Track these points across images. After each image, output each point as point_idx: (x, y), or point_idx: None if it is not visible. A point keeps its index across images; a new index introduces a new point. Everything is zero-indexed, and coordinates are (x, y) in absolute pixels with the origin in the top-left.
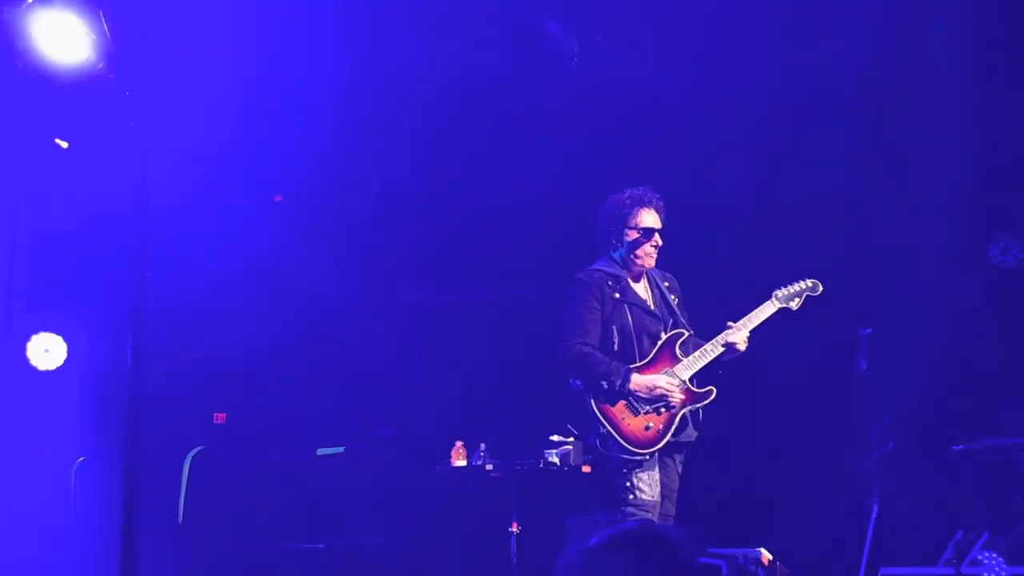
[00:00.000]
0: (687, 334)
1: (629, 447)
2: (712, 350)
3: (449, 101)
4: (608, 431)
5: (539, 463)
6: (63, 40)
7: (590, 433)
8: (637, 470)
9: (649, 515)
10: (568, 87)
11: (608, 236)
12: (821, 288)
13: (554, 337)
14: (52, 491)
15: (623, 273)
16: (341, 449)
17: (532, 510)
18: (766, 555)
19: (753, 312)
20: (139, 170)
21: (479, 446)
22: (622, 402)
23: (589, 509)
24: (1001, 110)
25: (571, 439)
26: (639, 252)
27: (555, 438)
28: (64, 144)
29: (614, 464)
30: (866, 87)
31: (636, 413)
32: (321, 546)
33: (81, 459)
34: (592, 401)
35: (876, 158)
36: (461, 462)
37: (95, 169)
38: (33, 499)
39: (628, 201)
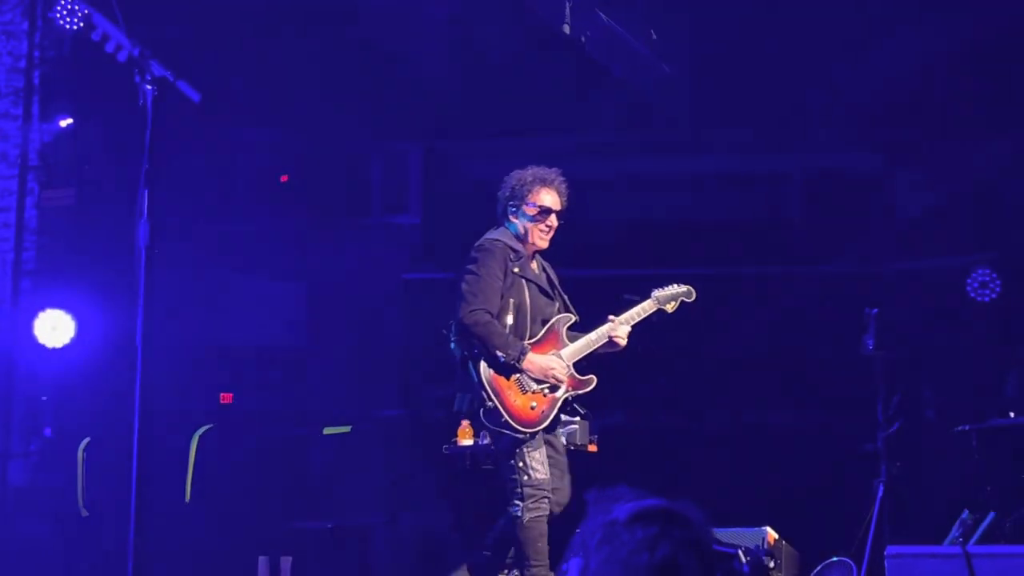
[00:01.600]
0: (575, 319)
1: (513, 423)
2: (596, 340)
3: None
4: (495, 404)
5: None
6: None
7: (476, 403)
8: (528, 450)
9: (545, 493)
10: None
11: (506, 210)
12: (695, 295)
13: None
14: (61, 470)
15: (521, 249)
16: (347, 428)
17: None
18: (772, 534)
19: (634, 309)
20: (146, 142)
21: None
22: (514, 377)
23: (611, 484)
24: None
25: (577, 419)
26: (533, 230)
27: (562, 417)
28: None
29: (505, 445)
30: None
31: (524, 391)
32: (328, 525)
33: (87, 440)
34: (484, 371)
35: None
36: (467, 441)
37: (101, 143)
38: (42, 477)
39: (531, 178)
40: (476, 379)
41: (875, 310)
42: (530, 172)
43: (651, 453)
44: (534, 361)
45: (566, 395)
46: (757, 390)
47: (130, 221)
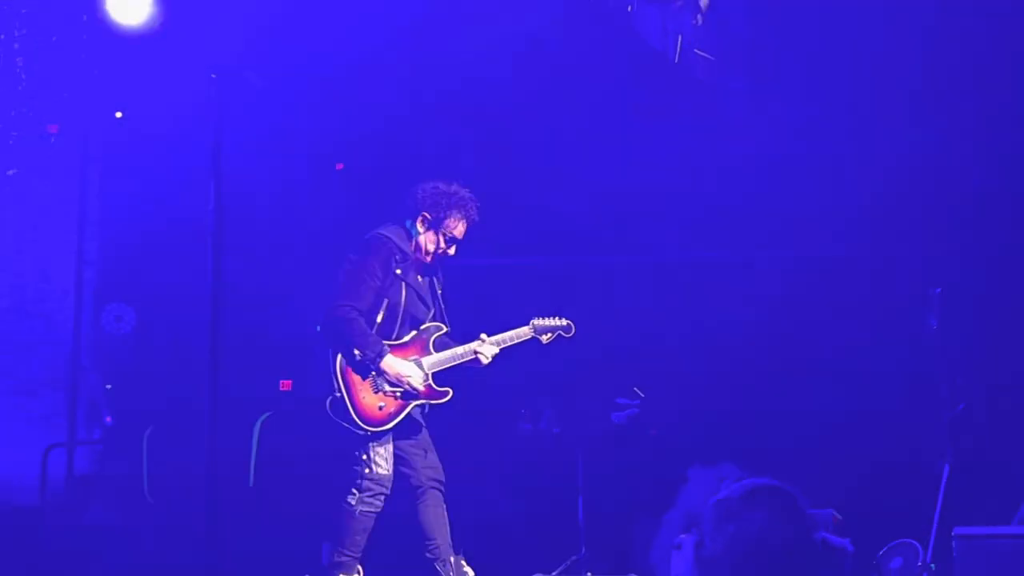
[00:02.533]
0: (444, 330)
1: (356, 419)
2: (462, 355)
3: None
4: (342, 396)
5: (606, 426)
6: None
7: (326, 393)
8: (375, 444)
9: (383, 490)
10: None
11: (415, 215)
12: (574, 330)
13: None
14: (125, 457)
15: (410, 255)
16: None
17: (598, 472)
18: (836, 517)
19: (507, 333)
20: (214, 138)
21: (545, 410)
22: (370, 376)
23: (715, 462)
24: None
25: (637, 402)
26: (431, 249)
27: (621, 400)
28: (119, 115)
29: (354, 436)
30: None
31: (376, 390)
32: (388, 510)
33: (151, 428)
34: (339, 363)
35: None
36: (527, 425)
37: (165, 137)
38: (107, 465)
39: (456, 204)
40: (331, 368)
41: (938, 289)
42: (456, 195)
43: (710, 435)
44: (391, 365)
45: (417, 403)
46: (817, 371)
47: (191, 211)
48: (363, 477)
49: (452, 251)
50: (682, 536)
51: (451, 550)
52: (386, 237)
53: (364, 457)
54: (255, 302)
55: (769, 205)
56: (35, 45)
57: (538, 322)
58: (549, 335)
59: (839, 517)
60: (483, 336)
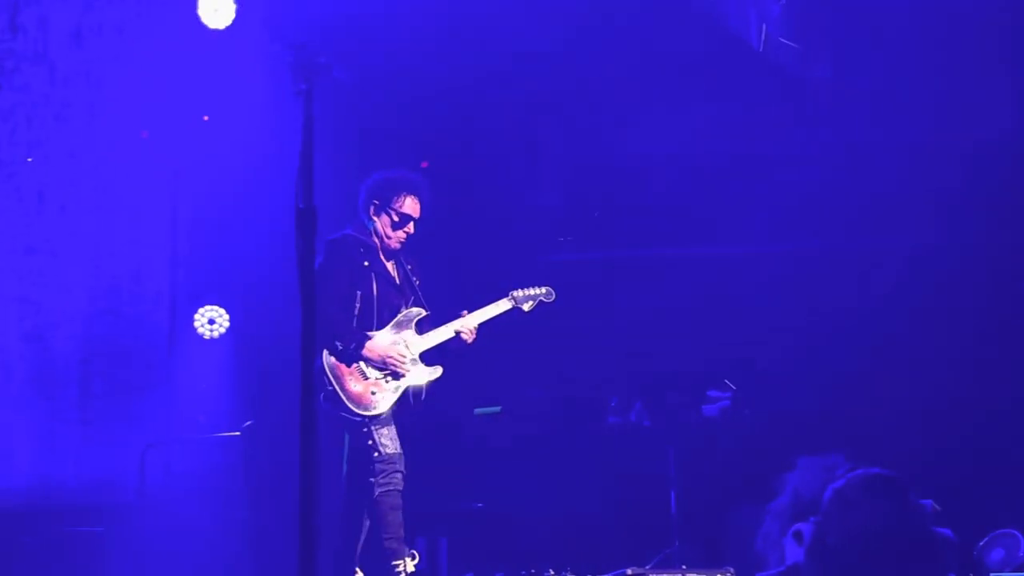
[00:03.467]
0: (425, 313)
1: (351, 407)
2: (444, 332)
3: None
4: (334, 389)
5: (697, 418)
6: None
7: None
8: (375, 427)
9: (396, 467)
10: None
11: (367, 207)
12: (554, 296)
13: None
14: (221, 455)
15: (374, 243)
16: (498, 409)
17: (690, 464)
18: (935, 507)
19: (487, 307)
20: (305, 138)
21: (635, 403)
22: (355, 365)
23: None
24: None
25: (728, 394)
26: (391, 234)
27: (713, 393)
28: (206, 118)
29: (354, 423)
30: None
31: (364, 378)
32: (479, 505)
33: (248, 423)
34: (325, 359)
35: None
36: (618, 418)
37: (254, 138)
38: (203, 462)
39: (397, 182)
40: (318, 365)
41: None
42: (396, 177)
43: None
44: (373, 348)
45: (408, 383)
46: (915, 360)
47: (278, 210)
48: (374, 461)
49: (411, 228)
50: (799, 525)
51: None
52: (344, 235)
53: (370, 443)
54: None
55: (857, 194)
56: (127, 49)
57: (517, 293)
58: (531, 303)
59: (938, 508)
60: (464, 312)
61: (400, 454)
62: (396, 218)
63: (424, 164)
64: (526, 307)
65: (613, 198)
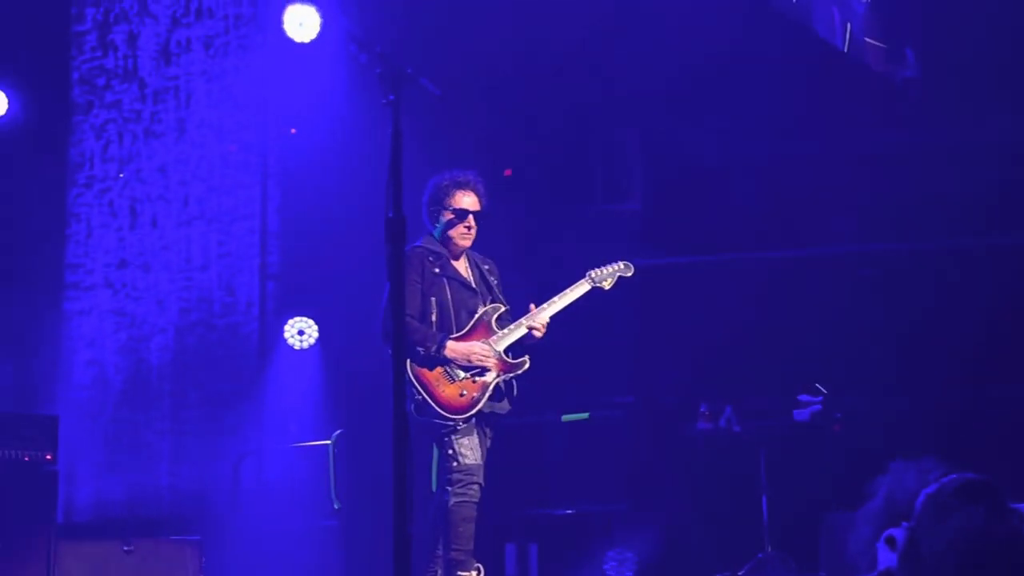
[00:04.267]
0: (503, 308)
1: (443, 412)
2: (519, 329)
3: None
4: (423, 397)
5: (788, 423)
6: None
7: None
8: (456, 436)
9: (475, 479)
10: None
11: (429, 216)
12: (633, 270)
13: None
14: (313, 464)
15: (443, 251)
16: (586, 415)
17: (782, 470)
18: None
19: (560, 294)
20: (393, 147)
21: (725, 408)
22: (439, 368)
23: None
24: None
25: (820, 399)
26: (453, 233)
27: (804, 397)
28: (293, 131)
29: (436, 434)
30: None
31: (452, 380)
32: (569, 511)
33: (338, 432)
34: (410, 368)
35: None
36: (708, 424)
37: (340, 150)
38: (295, 472)
39: (448, 183)
40: (405, 375)
41: None
42: (447, 177)
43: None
44: (455, 348)
45: (497, 379)
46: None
47: (365, 220)
48: (452, 471)
49: (470, 222)
50: (892, 530)
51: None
52: (412, 248)
53: (450, 452)
54: None
55: (945, 196)
56: (214, 64)
57: (595, 272)
58: (610, 280)
59: None
60: (532, 306)
61: (480, 465)
62: (453, 216)
63: (507, 172)
64: (606, 285)
65: (696, 200)
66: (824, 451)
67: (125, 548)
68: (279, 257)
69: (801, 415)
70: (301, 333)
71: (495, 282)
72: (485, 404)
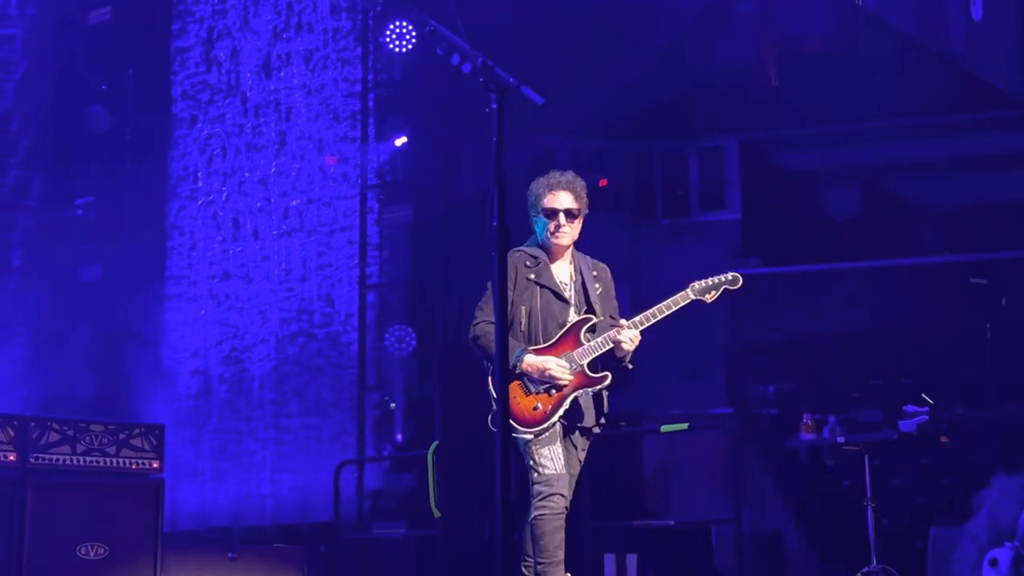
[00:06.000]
0: (595, 320)
1: (515, 425)
2: (603, 344)
3: None
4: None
5: (894, 434)
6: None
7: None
8: (536, 446)
9: (555, 490)
10: None
11: (531, 218)
12: (740, 282)
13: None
14: (412, 472)
15: (542, 255)
16: (685, 426)
17: (887, 482)
18: None
19: (658, 306)
20: (496, 155)
21: (829, 418)
22: (516, 381)
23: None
24: None
25: (926, 409)
26: (550, 234)
27: (910, 408)
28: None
29: (520, 445)
30: None
31: (527, 393)
32: (670, 522)
33: (436, 444)
34: (489, 378)
35: None
36: (810, 435)
37: (437, 160)
38: (395, 480)
39: (540, 185)
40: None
41: None
42: (541, 179)
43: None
44: (531, 363)
45: (575, 393)
46: None
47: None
48: (534, 483)
49: (561, 220)
50: (995, 551)
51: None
52: (516, 249)
53: (531, 462)
54: None
55: None
56: (312, 77)
57: (698, 284)
58: (714, 293)
59: None
60: (622, 321)
61: (562, 475)
62: (546, 216)
63: (603, 183)
64: (708, 298)
65: (799, 212)
66: (931, 462)
67: (229, 556)
68: (378, 267)
69: (907, 426)
70: (400, 341)
71: (598, 290)
72: (562, 418)
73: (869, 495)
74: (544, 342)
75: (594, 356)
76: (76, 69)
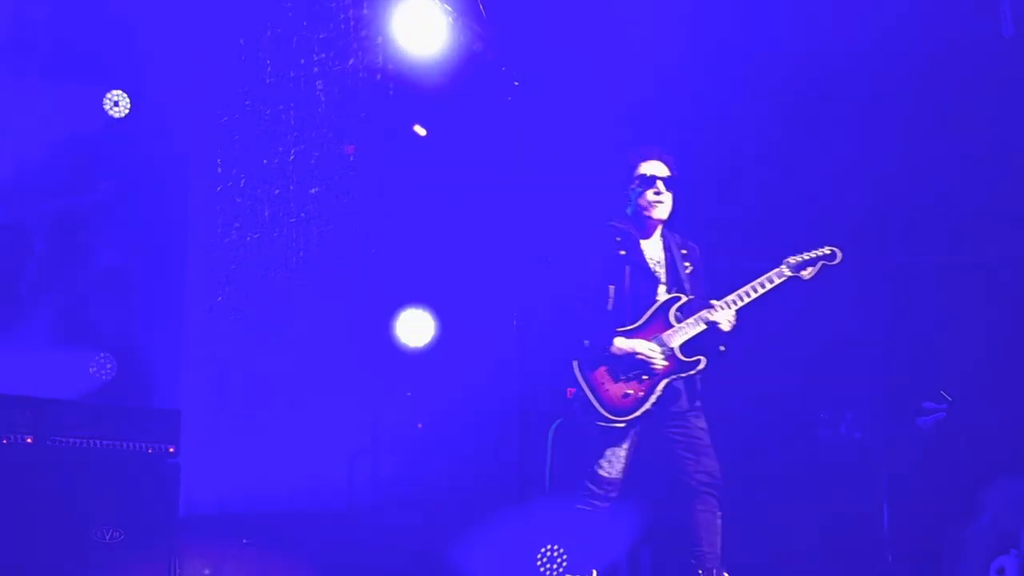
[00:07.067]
0: (684, 299)
1: (605, 413)
2: (696, 325)
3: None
4: (587, 396)
5: (911, 430)
6: (422, 31)
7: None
8: (611, 443)
9: (603, 491)
10: None
11: (626, 192)
12: (840, 256)
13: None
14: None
15: (633, 231)
16: None
17: (905, 479)
18: None
19: (752, 283)
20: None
21: (845, 414)
22: (603, 367)
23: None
24: None
25: (944, 406)
26: (642, 202)
27: (928, 404)
28: (422, 132)
29: (588, 435)
30: None
31: (616, 379)
32: None
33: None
34: (575, 364)
35: None
36: (827, 430)
37: (455, 154)
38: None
39: (632, 155)
40: (572, 373)
41: None
42: (627, 154)
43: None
44: (620, 345)
45: (668, 379)
46: None
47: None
48: (589, 477)
49: (660, 188)
50: (1002, 559)
51: (718, 561)
52: (607, 223)
53: (597, 456)
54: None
55: None
56: (334, 68)
57: (793, 259)
58: (812, 269)
59: None
60: (712, 302)
61: (616, 479)
62: (639, 185)
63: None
64: (806, 274)
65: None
66: (948, 460)
67: (244, 541)
68: (392, 256)
69: (925, 422)
70: (417, 329)
71: (688, 269)
72: (654, 405)
73: (885, 492)
74: (632, 322)
75: (686, 338)
76: None
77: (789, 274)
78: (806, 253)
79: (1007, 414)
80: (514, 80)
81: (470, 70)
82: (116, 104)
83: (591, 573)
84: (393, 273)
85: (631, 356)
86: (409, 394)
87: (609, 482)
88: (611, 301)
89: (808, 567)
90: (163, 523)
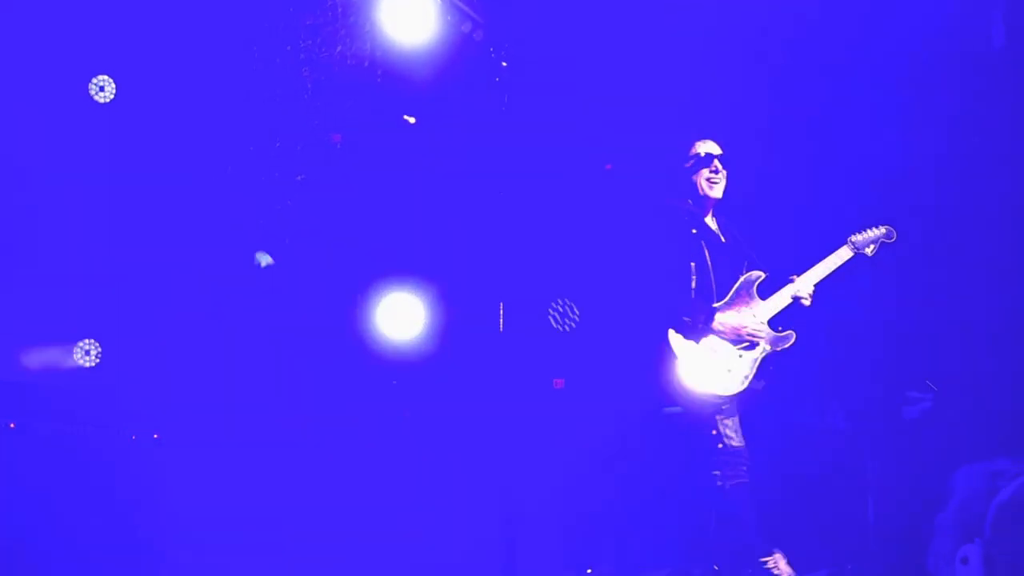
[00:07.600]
0: (763, 276)
1: (706, 390)
2: (782, 300)
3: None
4: (688, 374)
5: (894, 420)
6: (410, 18)
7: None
8: (721, 416)
9: (742, 460)
10: None
11: (684, 174)
12: (895, 235)
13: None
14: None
15: (698, 209)
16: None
17: (890, 469)
18: None
19: (823, 261)
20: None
21: (830, 403)
22: (706, 343)
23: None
24: None
25: (930, 395)
26: (700, 180)
27: (913, 394)
28: (412, 120)
29: (703, 414)
30: None
31: (718, 355)
32: None
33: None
34: (675, 342)
35: None
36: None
37: (444, 145)
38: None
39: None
40: (669, 351)
41: None
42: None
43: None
44: (725, 322)
45: (764, 353)
46: None
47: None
48: (720, 454)
49: (717, 166)
50: (966, 547)
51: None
52: (666, 205)
53: (715, 433)
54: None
55: None
56: (319, 55)
57: (856, 238)
58: (873, 246)
59: None
60: (793, 277)
61: (744, 447)
62: (694, 164)
63: (608, 166)
64: (869, 251)
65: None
66: (933, 450)
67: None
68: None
69: (910, 412)
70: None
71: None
72: (752, 380)
73: (871, 483)
74: (718, 299)
75: (776, 312)
76: None
77: (851, 253)
78: (867, 231)
79: (991, 402)
80: (502, 61)
81: (459, 56)
82: (101, 89)
83: (586, 572)
84: (382, 265)
85: (737, 331)
86: (394, 383)
87: (742, 450)
88: (694, 278)
89: (792, 555)
90: None
